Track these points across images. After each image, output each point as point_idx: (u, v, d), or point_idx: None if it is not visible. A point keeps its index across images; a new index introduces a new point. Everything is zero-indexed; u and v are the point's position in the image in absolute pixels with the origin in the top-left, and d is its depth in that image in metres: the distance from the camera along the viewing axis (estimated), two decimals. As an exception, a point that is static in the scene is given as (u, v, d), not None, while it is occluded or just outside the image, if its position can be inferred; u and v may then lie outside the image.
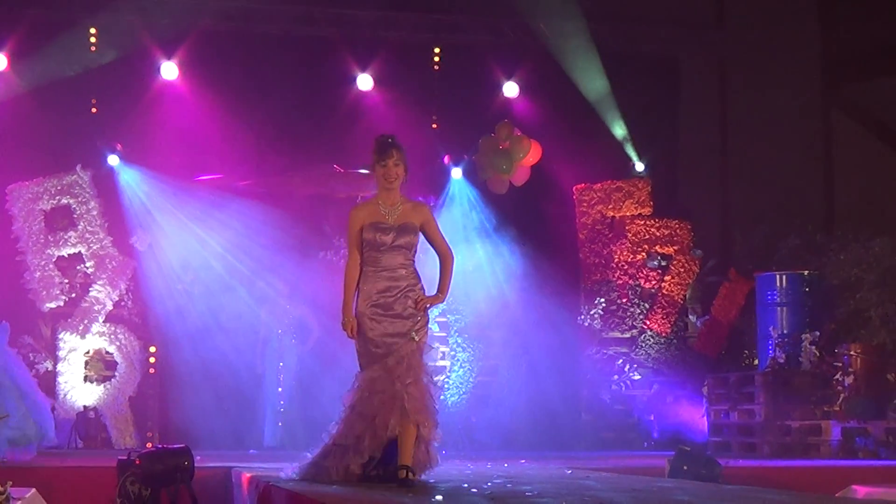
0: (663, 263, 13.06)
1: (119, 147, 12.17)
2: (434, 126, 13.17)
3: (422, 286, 6.79)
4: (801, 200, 13.89)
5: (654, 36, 13.86)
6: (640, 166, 13.65)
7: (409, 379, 6.59)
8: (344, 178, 12.14)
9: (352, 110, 12.87)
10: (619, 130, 13.50)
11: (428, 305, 6.73)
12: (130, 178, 12.18)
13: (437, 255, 6.96)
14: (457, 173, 13.09)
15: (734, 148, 14.36)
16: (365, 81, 12.92)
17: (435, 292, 6.83)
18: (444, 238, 7.00)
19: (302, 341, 11.80)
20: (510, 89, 13.31)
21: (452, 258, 7.00)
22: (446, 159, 13.15)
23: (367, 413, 6.62)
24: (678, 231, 13.09)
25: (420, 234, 6.87)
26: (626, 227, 13.00)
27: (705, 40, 14.41)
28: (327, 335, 11.59)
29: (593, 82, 13.28)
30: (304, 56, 12.82)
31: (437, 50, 13.31)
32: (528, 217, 13.09)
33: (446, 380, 12.41)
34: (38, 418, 9.29)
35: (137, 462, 7.29)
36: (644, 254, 12.98)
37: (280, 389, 11.71)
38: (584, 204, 13.19)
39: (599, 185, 13.19)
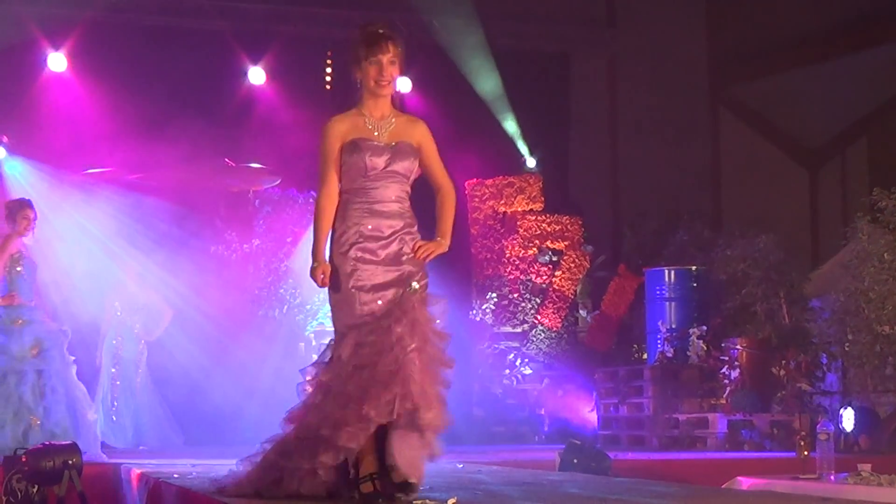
0: (554, 259, 13.17)
1: (4, 139, 11.93)
2: (327, 119, 13.12)
3: (417, 230, 5.37)
4: (689, 197, 14.10)
5: (546, 33, 13.97)
6: (531, 162, 13.75)
7: (413, 343, 5.09)
8: (235, 172, 12.03)
9: (244, 104, 12.79)
10: (512, 127, 13.59)
11: (430, 255, 5.27)
12: (16, 170, 11.96)
13: (435, 188, 5.53)
14: (350, 168, 13.05)
15: (624, 144, 14.54)
16: (257, 75, 12.85)
17: (436, 238, 5.34)
18: (443, 166, 5.52)
19: (149, 330, 11.13)
20: (403, 85, 13.31)
21: (454, 194, 5.56)
22: (339, 153, 13.10)
23: (351, 393, 5.04)
24: (569, 227, 13.20)
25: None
26: (518, 223, 13.09)
27: (596, 38, 14.57)
28: (217, 330, 11.50)
29: (486, 79, 13.36)
30: (196, 49, 12.70)
31: (329, 49, 13.27)
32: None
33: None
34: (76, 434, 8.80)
35: (24, 459, 7.14)
36: (535, 249, 13.08)
37: (118, 383, 10.91)
38: (477, 199, 13.26)
39: (491, 180, 13.25)
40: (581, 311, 13.42)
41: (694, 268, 12.16)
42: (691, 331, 11.37)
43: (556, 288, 13.06)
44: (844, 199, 13.35)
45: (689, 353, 11.33)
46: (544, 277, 13.08)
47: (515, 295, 13.01)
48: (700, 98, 14.63)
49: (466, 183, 13.20)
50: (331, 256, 5.23)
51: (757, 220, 12.64)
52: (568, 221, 13.22)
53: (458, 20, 13.27)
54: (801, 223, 14.05)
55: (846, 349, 10.42)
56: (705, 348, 11.15)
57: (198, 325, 11.73)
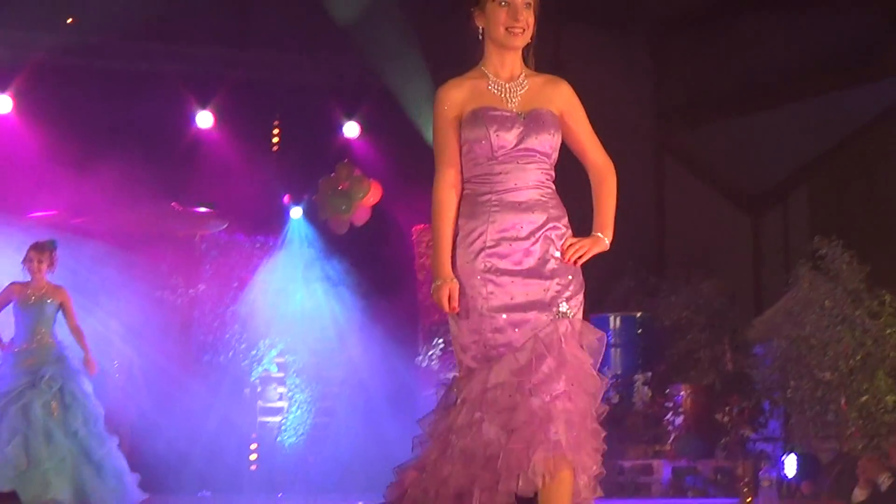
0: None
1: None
2: (274, 165, 13.14)
3: (568, 223, 4.31)
4: (634, 243, 14.17)
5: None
6: (478, 208, 13.81)
7: (561, 386, 3.93)
8: (182, 216, 12.00)
9: (191, 148, 12.76)
10: (459, 172, 13.64)
11: (584, 256, 4.23)
12: (-43, 214, 11.86)
13: (588, 168, 4.50)
14: (296, 213, 13.06)
15: (571, 190, 14.61)
16: (205, 119, 12.83)
17: (593, 233, 4.32)
18: (596, 139, 4.51)
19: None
20: (351, 129, 13.35)
21: (615, 173, 4.53)
22: (286, 199, 13.11)
23: (476, 449, 3.95)
24: (515, 272, 13.24)
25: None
26: (465, 268, 13.11)
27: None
28: (162, 375, 11.43)
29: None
30: (144, 92, 12.65)
31: (278, 90, 13.30)
32: (367, 257, 13.12)
33: (283, 421, 12.33)
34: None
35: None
36: (484, 295, 13.09)
37: None
38: (424, 244, 13.27)
39: (438, 225, 13.27)
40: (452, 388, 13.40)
41: (639, 314, 12.23)
42: (636, 377, 11.43)
43: (503, 333, 13.07)
44: (786, 246, 13.48)
45: (634, 400, 11.39)
46: (490, 323, 13.09)
47: (462, 340, 13.00)
48: (645, 145, 14.74)
49: (414, 229, 13.22)
50: (454, 269, 4.10)
51: (701, 267, 12.75)
52: (514, 267, 13.25)
53: (408, 65, 13.33)
54: (745, 269, 14.15)
55: (788, 395, 10.52)
56: (650, 394, 11.22)
57: (142, 371, 11.66)
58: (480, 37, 4.39)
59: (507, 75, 4.31)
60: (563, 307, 4.12)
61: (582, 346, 4.13)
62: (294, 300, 12.35)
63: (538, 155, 4.23)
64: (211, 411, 11.33)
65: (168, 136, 12.76)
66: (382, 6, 11.89)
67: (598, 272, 14.04)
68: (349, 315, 12.61)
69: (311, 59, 13.36)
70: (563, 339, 4.05)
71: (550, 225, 4.22)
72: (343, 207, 12.77)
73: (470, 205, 4.19)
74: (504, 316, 4.07)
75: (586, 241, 4.27)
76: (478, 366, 4.10)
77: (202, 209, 11.83)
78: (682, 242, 14.23)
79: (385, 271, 13.20)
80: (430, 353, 12.88)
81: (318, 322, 12.50)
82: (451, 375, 11.81)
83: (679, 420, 10.99)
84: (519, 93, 4.27)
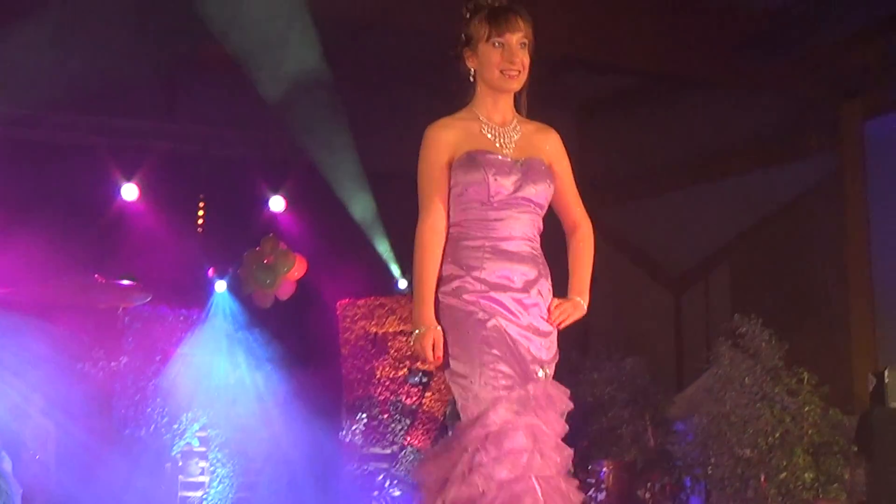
0: (424, 380, 13.21)
1: None
2: (198, 238, 13.11)
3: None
4: (557, 319, 14.27)
5: (418, 155, 14.17)
6: (403, 283, 13.85)
7: (551, 466, 4.11)
8: (105, 288, 11.90)
9: (116, 220, 12.70)
10: (384, 247, 13.70)
11: (566, 321, 4.11)
12: None
13: (568, 227, 4.33)
14: (220, 286, 13.02)
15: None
16: (129, 191, 12.79)
17: (571, 297, 4.14)
18: (579, 197, 4.36)
19: None
20: (276, 203, 13.37)
21: (593, 235, 4.32)
22: (210, 272, 13.07)
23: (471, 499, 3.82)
24: (440, 348, 13.26)
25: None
26: (389, 344, 13.13)
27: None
28: (82, 449, 11.27)
29: (360, 199, 13.47)
30: (68, 163, 12.62)
31: (202, 162, 13.30)
32: (292, 331, 13.09)
33: (205, 496, 12.20)
34: None
35: None
36: (406, 370, 13.12)
37: None
38: (348, 319, 13.28)
39: (363, 300, 13.31)
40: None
41: (561, 390, 12.27)
42: (559, 453, 11.44)
43: (426, 409, 13.09)
44: (707, 324, 13.63)
45: (557, 475, 11.38)
46: (414, 399, 13.11)
47: (385, 416, 13.01)
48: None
49: (338, 303, 13.24)
50: (444, 306, 3.98)
51: (624, 344, 12.85)
52: (438, 342, 13.28)
53: (333, 140, 13.39)
54: (667, 346, 14.29)
55: (709, 472, 10.58)
56: (572, 471, 11.22)
57: (61, 444, 11.49)
58: (472, 79, 4.16)
59: (499, 119, 4.13)
60: (547, 371, 4.12)
61: (556, 414, 4.17)
62: (217, 374, 12.27)
63: (533, 205, 4.08)
64: (131, 486, 11.17)
65: (92, 208, 12.70)
66: (309, 82, 11.95)
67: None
68: (273, 389, 12.55)
69: (237, 132, 13.39)
70: (542, 405, 4.05)
71: (542, 281, 4.10)
72: (268, 281, 12.76)
73: (459, 249, 4.03)
74: (501, 367, 3.89)
75: (568, 305, 4.14)
76: (485, 405, 3.89)
77: (125, 281, 11.73)
78: (606, 319, 14.34)
79: (309, 345, 13.18)
80: (354, 427, 12.84)
81: (242, 396, 12.42)
82: (373, 450, 11.40)
83: (601, 496, 11.01)
84: (513, 138, 4.11)
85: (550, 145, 4.20)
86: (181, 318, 12.35)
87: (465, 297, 3.94)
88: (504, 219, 3.99)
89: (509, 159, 4.01)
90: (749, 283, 13.42)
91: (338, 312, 13.26)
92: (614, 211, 14.75)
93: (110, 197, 12.82)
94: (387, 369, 13.07)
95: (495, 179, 3.95)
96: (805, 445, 10.09)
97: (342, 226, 13.45)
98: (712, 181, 13.60)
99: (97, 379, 11.74)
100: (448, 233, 4.07)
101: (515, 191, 3.99)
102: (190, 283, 12.54)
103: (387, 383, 13.07)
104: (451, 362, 3.94)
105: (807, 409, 10.13)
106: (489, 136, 4.05)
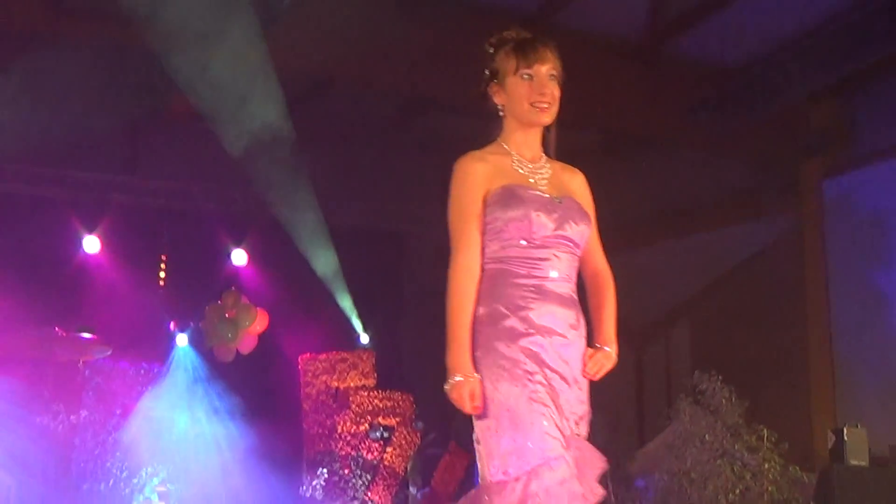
0: (385, 435, 13.18)
1: None
2: (160, 292, 13.08)
3: None
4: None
5: (382, 211, 14.23)
6: (365, 338, 13.86)
7: None
8: (66, 341, 11.83)
9: (77, 272, 12.67)
10: (346, 302, 13.71)
11: (601, 373, 3.90)
12: None
13: (589, 273, 4.15)
14: (182, 340, 12.99)
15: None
16: (91, 244, 12.77)
17: (600, 347, 3.95)
18: (600, 245, 4.28)
19: None
20: (239, 257, 13.37)
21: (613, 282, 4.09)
22: (172, 326, 13.04)
23: None
24: (401, 403, 13.27)
25: None
26: (350, 398, 13.11)
27: (431, 217, 14.85)
28: (39, 499, 11.17)
29: (322, 254, 13.49)
30: (30, 216, 12.60)
31: (165, 216, 13.30)
32: (253, 386, 13.06)
33: (163, 551, 12.10)
34: None
35: None
36: (367, 425, 13.09)
37: None
38: (310, 374, 13.26)
39: (325, 355, 13.29)
40: (411, 489, 13.39)
41: (523, 446, 12.28)
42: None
43: (387, 464, 13.06)
44: (668, 380, 13.69)
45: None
46: (375, 454, 13.08)
47: (346, 471, 12.96)
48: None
49: (300, 358, 13.22)
50: (483, 352, 3.66)
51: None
52: (400, 398, 13.29)
53: (295, 195, 13.43)
54: (629, 402, 14.32)
55: (670, 529, 10.60)
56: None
57: (21, 499, 11.38)
58: (501, 114, 3.87)
59: (529, 155, 3.89)
60: (583, 428, 3.82)
61: (596, 477, 3.81)
62: (177, 428, 12.21)
63: (572, 245, 3.86)
64: (89, 541, 11.09)
65: (54, 261, 12.67)
66: (273, 138, 12.00)
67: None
68: (233, 443, 12.49)
69: (200, 186, 13.40)
70: (582, 470, 3.69)
71: (581, 328, 3.85)
72: (229, 335, 12.74)
73: (500, 286, 3.67)
74: (554, 416, 3.56)
75: (601, 356, 3.90)
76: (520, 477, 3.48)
77: (86, 335, 11.68)
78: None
79: (270, 400, 13.14)
80: (315, 482, 12.78)
81: (202, 450, 12.36)
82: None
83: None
84: (545, 176, 3.88)
85: (577, 186, 4.03)
86: (142, 371, 12.29)
87: (510, 340, 3.61)
88: (547, 258, 3.74)
89: (547, 196, 3.79)
90: (709, 340, 13.49)
91: (299, 367, 13.24)
92: (576, 267, 14.80)
93: (72, 250, 12.80)
94: (348, 424, 13.04)
95: (538, 216, 3.71)
96: (765, 502, 10.12)
97: (305, 280, 13.47)
98: (674, 238, 13.71)
99: (56, 433, 11.65)
100: (484, 269, 3.77)
101: (556, 229, 3.76)
102: (151, 336, 12.50)
103: (348, 438, 13.04)
104: (491, 414, 3.57)
105: (767, 466, 10.17)
106: (521, 171, 3.82)
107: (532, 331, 3.59)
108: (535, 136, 3.89)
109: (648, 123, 12.09)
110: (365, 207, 14.15)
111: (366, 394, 13.18)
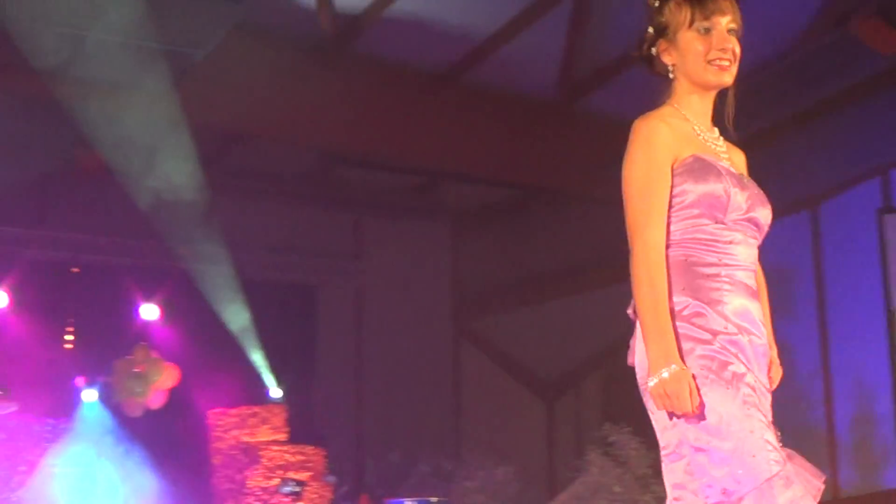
0: (297, 489, 13.08)
1: None
2: (68, 346, 12.92)
3: None
4: (431, 428, 14.31)
5: (294, 264, 14.20)
6: (276, 392, 13.77)
7: None
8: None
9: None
10: (258, 356, 13.63)
11: (776, 382, 3.27)
12: None
13: None
14: (90, 395, 12.82)
15: (369, 375, 14.71)
16: (-2, 299, 12.62)
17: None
18: None
19: None
20: (149, 311, 13.26)
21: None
22: (80, 381, 12.87)
23: None
24: (313, 457, 13.20)
25: None
26: (261, 453, 13.01)
27: (343, 270, 14.86)
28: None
29: (234, 308, 13.42)
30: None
31: (74, 270, 13.16)
32: (162, 441, 12.91)
33: None
34: None
35: None
36: (278, 479, 12.99)
37: None
38: (220, 428, 13.15)
39: (236, 409, 13.19)
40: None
41: (435, 499, 12.28)
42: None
43: (299, 519, 12.97)
44: (578, 432, 13.77)
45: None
46: (286, 508, 12.99)
47: (257, 526, 12.85)
48: (443, 331, 14.99)
49: (209, 412, 13.10)
50: (691, 350, 3.10)
51: (497, 452, 12.91)
52: (312, 452, 13.22)
53: (207, 248, 13.37)
54: (539, 454, 14.38)
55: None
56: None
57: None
58: (671, 76, 3.28)
59: (706, 124, 3.30)
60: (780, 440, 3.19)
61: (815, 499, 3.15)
62: (84, 484, 12.04)
63: (760, 232, 3.25)
64: None
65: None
66: (184, 191, 11.96)
67: (395, 457, 14.14)
68: (142, 499, 12.34)
69: (110, 240, 13.29)
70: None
71: (762, 327, 3.22)
72: (139, 390, 12.60)
73: (690, 276, 3.13)
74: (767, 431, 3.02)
75: (777, 366, 3.29)
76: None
77: (-2, 392, 11.52)
78: (479, 426, 14.41)
79: (180, 455, 12.99)
80: (225, 538, 12.68)
81: (109, 506, 12.20)
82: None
83: None
84: (724, 149, 3.29)
85: (745, 167, 3.38)
86: (48, 427, 12.12)
87: (711, 339, 3.05)
88: (739, 243, 3.16)
89: (736, 171, 3.23)
90: (619, 392, 13.59)
91: (209, 421, 13.12)
92: (488, 320, 14.90)
93: (-24, 304, 12.61)
94: (258, 479, 12.93)
95: (736, 193, 3.15)
96: (675, 553, 10.19)
97: (216, 334, 13.37)
98: (585, 291, 13.82)
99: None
100: (666, 253, 3.18)
101: (748, 211, 3.18)
102: (58, 391, 12.33)
103: (259, 493, 12.92)
104: (699, 420, 3.03)
105: (676, 516, 10.26)
106: (706, 141, 3.25)
107: (733, 329, 3.07)
108: (709, 102, 3.29)
109: (562, 178, 12.21)
110: (277, 260, 14.12)
111: (277, 448, 13.09)
